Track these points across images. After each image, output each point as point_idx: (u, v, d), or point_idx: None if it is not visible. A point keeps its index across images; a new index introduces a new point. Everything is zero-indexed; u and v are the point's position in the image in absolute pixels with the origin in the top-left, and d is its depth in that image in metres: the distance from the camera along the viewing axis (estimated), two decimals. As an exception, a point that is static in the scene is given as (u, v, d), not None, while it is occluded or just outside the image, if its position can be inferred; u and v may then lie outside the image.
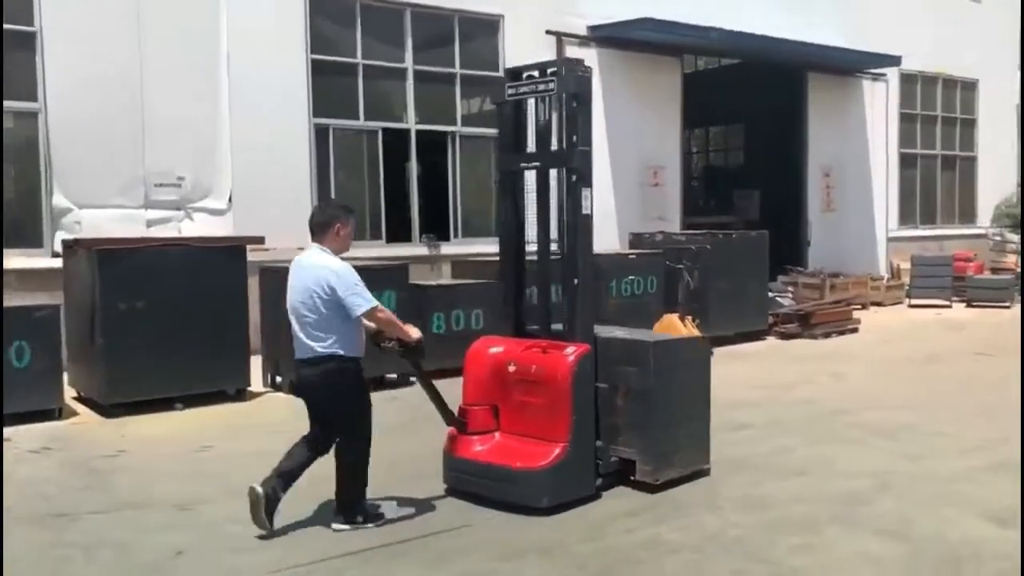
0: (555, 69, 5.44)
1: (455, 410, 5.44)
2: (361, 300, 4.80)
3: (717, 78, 22.71)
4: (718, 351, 10.89)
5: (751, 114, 21.73)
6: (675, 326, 10.47)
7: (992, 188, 20.13)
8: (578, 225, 5.42)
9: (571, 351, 5.25)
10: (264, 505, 4.71)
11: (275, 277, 8.15)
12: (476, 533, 4.92)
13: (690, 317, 10.79)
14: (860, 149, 17.60)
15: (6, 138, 9.51)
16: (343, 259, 4.97)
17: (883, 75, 17.65)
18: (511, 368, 5.43)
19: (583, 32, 13.50)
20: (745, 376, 9.58)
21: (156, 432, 7.31)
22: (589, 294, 5.48)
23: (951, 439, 6.76)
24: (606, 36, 13.56)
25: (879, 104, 17.81)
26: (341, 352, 4.83)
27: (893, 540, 4.73)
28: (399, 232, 12.20)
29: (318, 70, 11.31)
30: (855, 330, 12.96)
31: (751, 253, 12.13)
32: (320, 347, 4.82)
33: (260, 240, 8.77)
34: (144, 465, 6.36)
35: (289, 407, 7.25)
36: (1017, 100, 20.62)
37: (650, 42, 13.88)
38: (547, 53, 13.05)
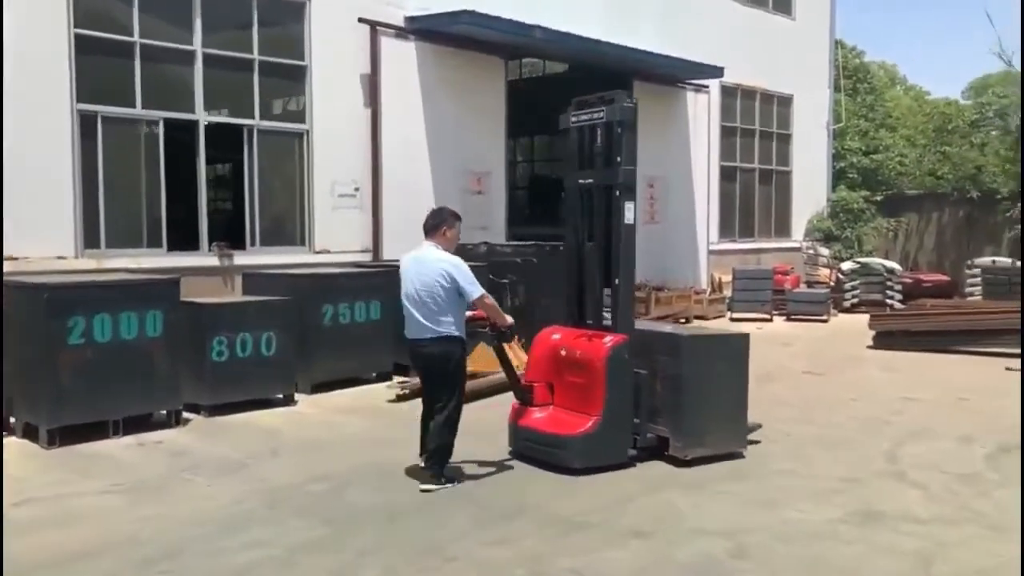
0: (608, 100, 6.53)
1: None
2: (475, 288, 5.83)
3: (543, 86, 22.21)
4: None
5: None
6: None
7: (805, 202, 20.56)
8: (621, 233, 6.37)
9: (608, 340, 6.19)
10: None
11: (24, 297, 6.54)
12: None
13: (515, 336, 9.84)
14: (683, 161, 17.38)
15: None
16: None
17: (706, 87, 17.52)
18: (563, 352, 6.51)
19: (400, 23, 12.34)
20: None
21: None
22: (631, 292, 6.48)
23: (803, 479, 6.08)
24: (425, 28, 12.45)
25: (701, 116, 17.67)
26: (457, 333, 5.84)
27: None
28: (184, 239, 10.57)
29: (84, 48, 9.53)
30: (683, 346, 12.48)
31: (579, 266, 11.35)
32: (441, 328, 5.78)
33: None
34: None
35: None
36: (826, 116, 21.24)
37: (472, 38, 12.90)
38: (360, 43, 11.87)
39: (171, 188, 10.31)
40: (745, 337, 6.76)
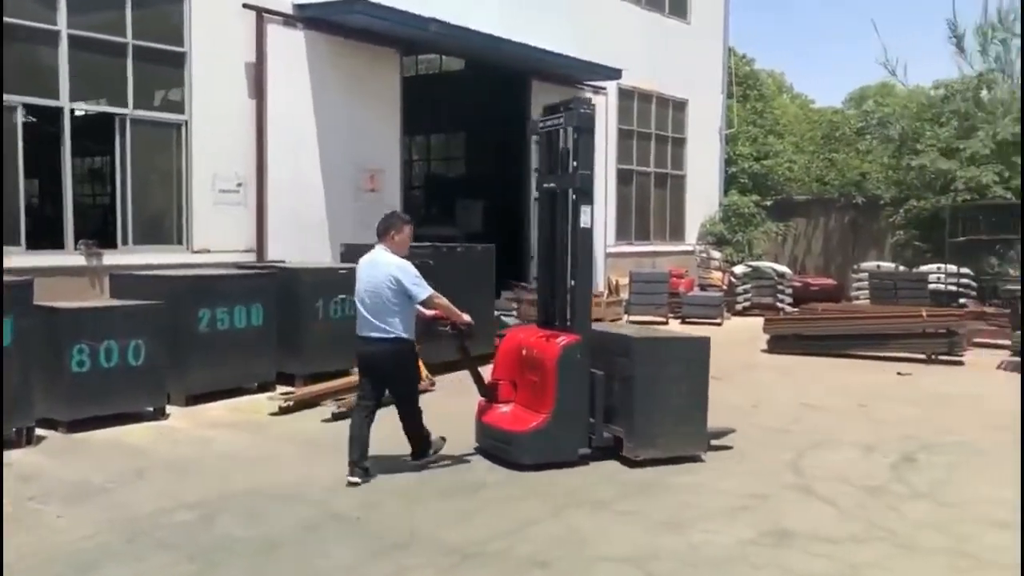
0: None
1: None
2: (422, 289, 6.02)
3: (440, 84, 21.75)
4: (442, 381, 9.65)
5: (474, 122, 20.94)
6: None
7: (699, 206, 20.73)
8: (577, 236, 6.43)
9: (561, 340, 6.34)
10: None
11: None
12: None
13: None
14: (581, 162, 17.19)
15: None
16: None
17: (604, 88, 17.40)
18: (524, 352, 6.67)
19: (289, 11, 11.67)
20: (469, 415, 8.28)
21: None
22: (587, 294, 6.55)
23: (710, 495, 5.82)
24: (315, 17, 11.82)
25: (599, 118, 17.44)
26: (404, 335, 6.01)
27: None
28: (46, 236, 9.68)
29: (-72, 22, 8.58)
30: (582, 351, 12.24)
31: (478, 268, 10.96)
32: (389, 329, 5.95)
33: None
34: None
35: None
36: (719, 121, 21.48)
37: (366, 29, 12.33)
38: (245, 30, 11.16)
39: (33, 181, 9.40)
40: (705, 341, 6.68)
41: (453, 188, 22.02)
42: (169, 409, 7.88)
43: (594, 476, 6.18)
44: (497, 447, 6.55)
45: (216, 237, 10.89)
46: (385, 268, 6.03)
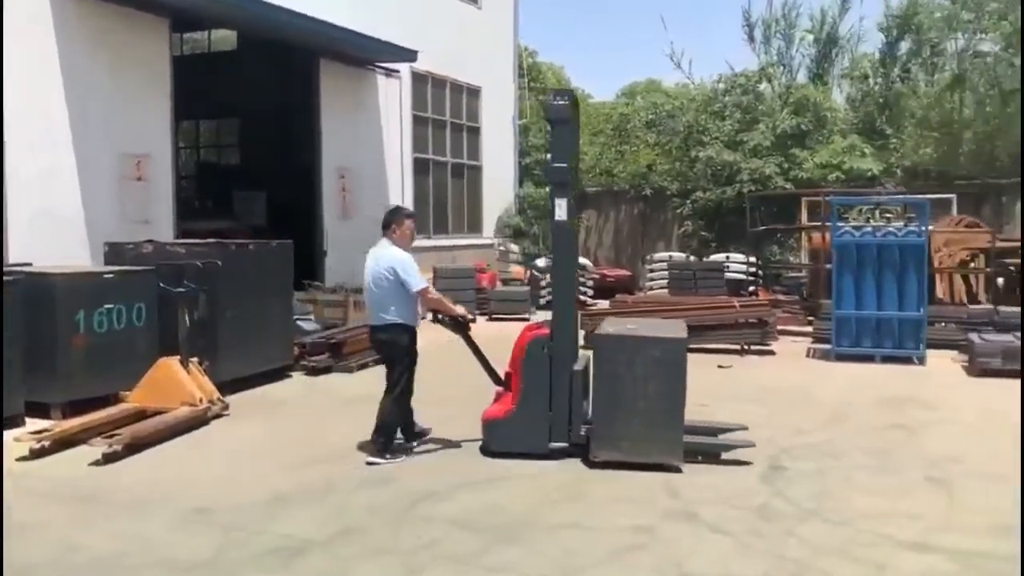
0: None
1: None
2: (414, 281, 6.44)
3: (210, 65, 19.76)
4: (236, 401, 8.25)
5: (253, 106, 19.14)
6: (173, 375, 7.52)
7: (495, 198, 20.13)
8: (552, 229, 6.63)
9: (531, 334, 6.48)
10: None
11: None
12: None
13: (195, 359, 7.90)
14: (376, 151, 16.01)
15: None
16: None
17: (397, 72, 16.29)
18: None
19: (27, -37, 9.69)
20: (280, 443, 7.01)
21: None
22: (566, 287, 6.67)
23: (591, 532, 4.96)
24: (63, -28, 9.92)
25: (393, 103, 16.40)
26: (400, 320, 6.50)
27: None
28: None
29: None
30: (391, 357, 11.13)
31: (273, 268, 9.56)
32: (388, 316, 6.51)
33: None
34: None
35: None
36: (513, 111, 20.98)
37: (126, -9, 10.55)
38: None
39: None
40: (680, 342, 6.24)
41: (230, 178, 20.08)
42: None
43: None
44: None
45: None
46: (385, 260, 6.49)
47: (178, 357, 7.66)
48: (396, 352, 6.58)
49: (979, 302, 12.98)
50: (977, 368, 9.82)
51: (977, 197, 17.80)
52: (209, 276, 8.32)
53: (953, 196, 16.14)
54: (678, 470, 6.03)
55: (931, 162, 19.29)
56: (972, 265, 13.63)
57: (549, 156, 6.47)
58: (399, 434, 6.69)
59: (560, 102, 6.40)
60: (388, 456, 6.40)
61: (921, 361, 10.64)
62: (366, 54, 15.12)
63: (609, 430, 6.15)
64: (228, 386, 8.52)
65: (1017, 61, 19.72)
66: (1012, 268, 13.38)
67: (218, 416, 7.70)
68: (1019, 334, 10.13)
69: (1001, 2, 20.01)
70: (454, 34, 18.12)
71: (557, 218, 6.39)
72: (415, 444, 6.76)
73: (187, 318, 8.08)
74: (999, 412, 8.06)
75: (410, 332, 6.58)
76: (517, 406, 6.38)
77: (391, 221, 6.75)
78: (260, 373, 9.22)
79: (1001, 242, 13.51)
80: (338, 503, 5.49)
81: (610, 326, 6.75)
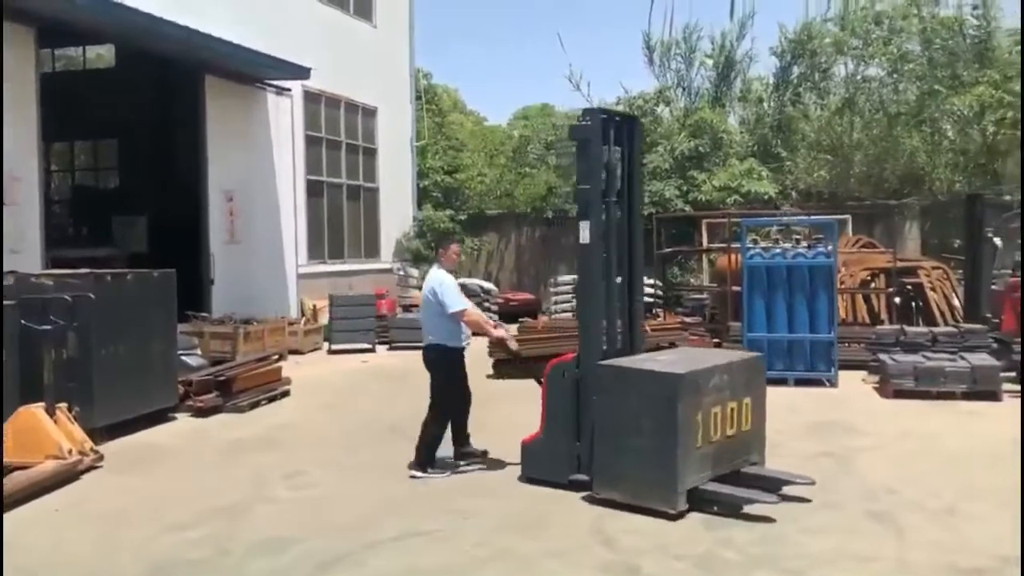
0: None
1: None
2: (452, 303, 6.62)
3: (85, 82, 18.56)
4: (113, 450, 7.39)
5: (133, 126, 18.02)
6: (37, 424, 6.63)
7: (393, 221, 19.46)
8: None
9: (557, 360, 6.39)
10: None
11: None
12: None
13: (64, 405, 7.01)
14: (266, 172, 15.17)
15: None
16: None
17: (288, 90, 15.51)
18: None
19: None
20: (161, 499, 6.20)
21: None
22: (589, 313, 6.35)
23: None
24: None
25: (284, 123, 15.60)
26: (441, 342, 6.70)
27: None
28: None
29: None
30: (287, 393, 10.31)
31: (153, 300, 8.67)
32: (431, 337, 6.77)
33: None
34: None
35: None
36: (410, 132, 20.42)
37: (-14, -5, 9.55)
38: None
39: None
40: (674, 378, 5.53)
41: (107, 203, 18.80)
42: None
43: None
44: None
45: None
46: (429, 283, 6.79)
47: (42, 404, 6.76)
48: (436, 371, 6.75)
49: (881, 322, 13.06)
50: (890, 389, 9.74)
51: (868, 218, 18.21)
52: (80, 311, 7.42)
53: (848, 217, 16.39)
54: (671, 517, 5.41)
55: (824, 184, 19.67)
56: (873, 285, 13.74)
57: (574, 178, 6.23)
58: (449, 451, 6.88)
59: (582, 123, 6.23)
60: (429, 471, 6.60)
61: (833, 383, 10.52)
62: (254, 70, 14.33)
63: (607, 466, 5.73)
64: (104, 433, 7.66)
65: (901, 86, 20.44)
66: (909, 288, 13.57)
67: (91, 468, 6.83)
68: (928, 355, 10.14)
69: (885, 30, 20.71)
70: (348, 52, 17.47)
71: (581, 241, 6.17)
72: (463, 463, 6.80)
73: (53, 359, 7.17)
74: (921, 435, 7.93)
75: (450, 352, 6.72)
76: (543, 433, 6.24)
77: (438, 246, 7.41)
78: (141, 416, 8.32)
79: (900, 262, 13.69)
80: (230, 573, 4.77)
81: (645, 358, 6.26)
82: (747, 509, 5.52)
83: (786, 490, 5.87)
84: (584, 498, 5.85)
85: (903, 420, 8.55)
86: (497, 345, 6.95)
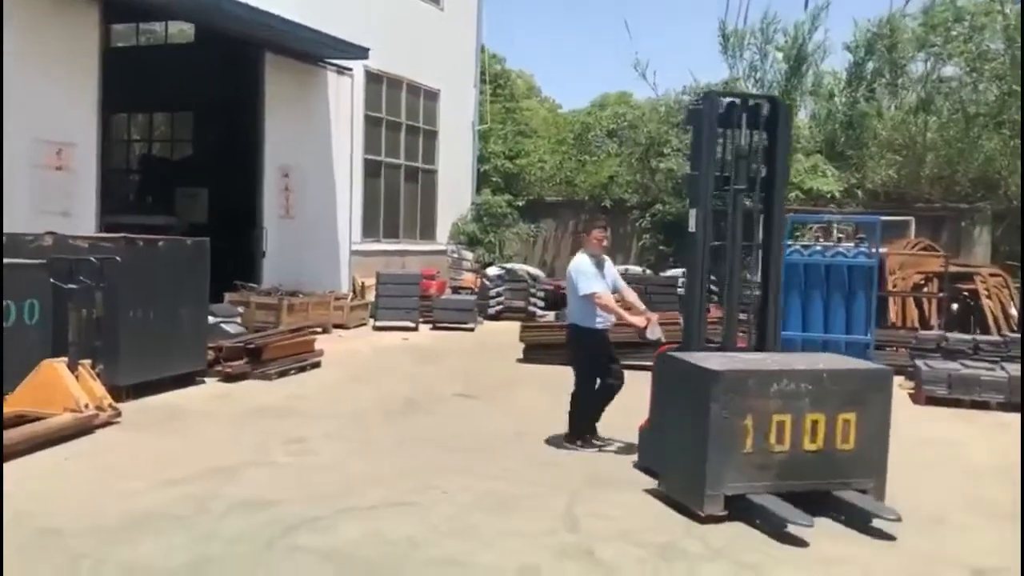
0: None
1: None
2: (582, 286, 6.80)
3: (164, 56, 19.19)
4: (134, 408, 7.70)
5: (205, 100, 18.55)
6: (58, 380, 6.95)
7: (450, 204, 19.64)
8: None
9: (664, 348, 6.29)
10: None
11: None
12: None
13: (88, 362, 7.34)
14: (323, 150, 15.48)
15: None
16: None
17: (349, 69, 15.78)
18: None
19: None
20: (165, 456, 6.46)
21: None
22: (694, 303, 6.20)
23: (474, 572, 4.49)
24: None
25: (344, 102, 15.88)
26: (576, 322, 6.99)
27: None
28: None
29: None
30: (317, 364, 10.57)
31: (185, 267, 8.99)
32: (570, 317, 7.15)
33: None
34: None
35: None
36: (472, 116, 20.52)
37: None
38: None
39: None
40: (712, 375, 5.19)
41: (176, 172, 19.45)
42: None
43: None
44: None
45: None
46: (571, 266, 7.00)
47: (65, 359, 7.10)
48: (573, 351, 7.14)
49: (931, 327, 12.64)
50: (923, 396, 9.46)
51: (936, 221, 17.60)
52: (108, 273, 7.74)
53: (911, 218, 15.86)
54: (699, 518, 5.18)
55: (892, 184, 19.07)
56: (925, 289, 13.30)
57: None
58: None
59: (693, 107, 6.06)
60: (578, 444, 6.90)
61: (867, 387, 10.25)
62: (314, 49, 14.60)
63: (675, 469, 5.58)
64: (129, 391, 7.99)
65: (981, 86, 19.62)
66: (965, 294, 13.09)
67: (107, 424, 7.14)
68: (967, 363, 9.80)
69: (966, 28, 19.88)
70: (413, 34, 17.65)
71: (689, 229, 6.05)
72: (600, 444, 6.98)
73: (83, 317, 7.52)
74: (942, 443, 7.71)
75: (582, 332, 6.91)
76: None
77: (584, 232, 7.39)
78: (168, 378, 8.64)
79: (955, 267, 13.21)
80: (203, 529, 4.96)
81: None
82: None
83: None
84: (647, 490, 5.81)
85: (928, 427, 8.30)
86: (640, 336, 6.72)
